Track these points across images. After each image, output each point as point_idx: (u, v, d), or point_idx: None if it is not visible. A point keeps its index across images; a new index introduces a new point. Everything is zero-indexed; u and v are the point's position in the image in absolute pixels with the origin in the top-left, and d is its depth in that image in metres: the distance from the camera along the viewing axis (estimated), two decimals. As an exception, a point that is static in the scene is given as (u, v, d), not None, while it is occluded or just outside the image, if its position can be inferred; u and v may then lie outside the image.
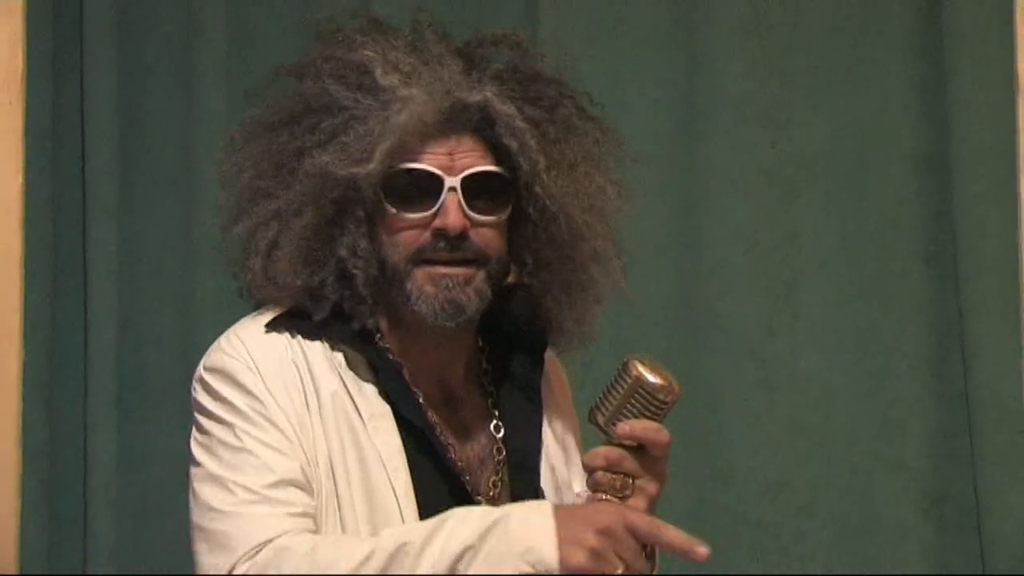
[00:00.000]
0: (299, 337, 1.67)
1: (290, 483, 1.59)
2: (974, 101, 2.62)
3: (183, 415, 2.61)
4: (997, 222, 2.60)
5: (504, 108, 1.66)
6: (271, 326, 1.68)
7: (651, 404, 1.59)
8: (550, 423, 1.78)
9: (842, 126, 2.69)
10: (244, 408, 1.63)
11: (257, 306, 1.73)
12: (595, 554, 1.49)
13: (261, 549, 1.54)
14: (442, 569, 1.48)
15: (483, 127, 1.67)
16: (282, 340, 1.66)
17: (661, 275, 2.69)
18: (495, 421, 1.74)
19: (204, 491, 1.63)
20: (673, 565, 2.64)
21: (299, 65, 1.71)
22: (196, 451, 1.67)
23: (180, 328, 2.64)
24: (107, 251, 2.62)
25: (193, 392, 1.71)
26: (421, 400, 1.69)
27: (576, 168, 1.70)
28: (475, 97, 1.65)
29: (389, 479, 1.63)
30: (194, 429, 1.70)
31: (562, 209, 1.69)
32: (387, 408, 1.66)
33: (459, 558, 1.48)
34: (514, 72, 1.71)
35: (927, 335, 2.66)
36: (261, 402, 1.62)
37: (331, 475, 1.62)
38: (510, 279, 1.72)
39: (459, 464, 1.69)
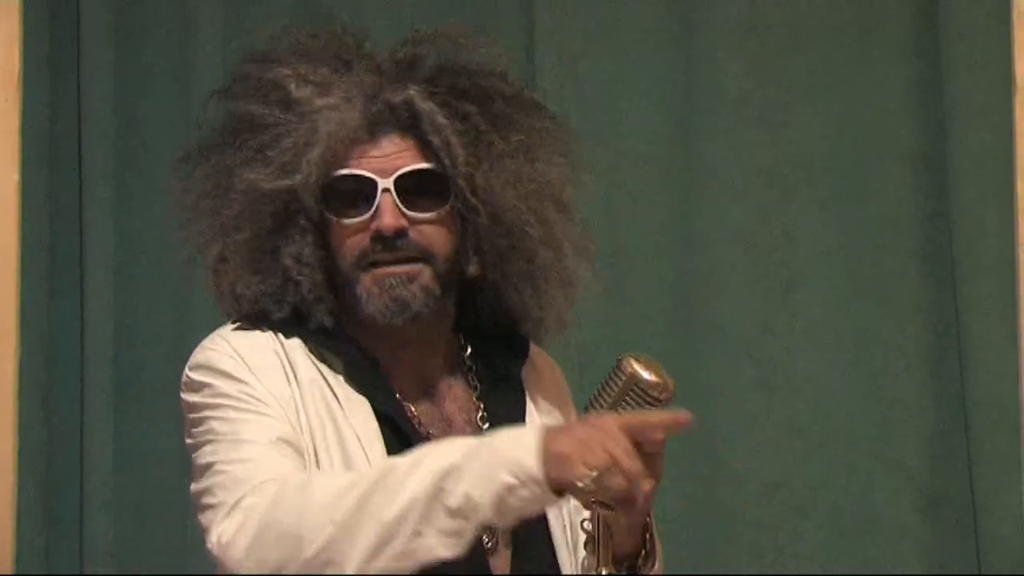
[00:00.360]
0: (275, 332, 1.70)
1: (288, 443, 1.62)
2: (971, 101, 2.62)
3: (180, 414, 2.63)
4: (994, 222, 2.60)
5: (425, 105, 1.68)
6: (249, 323, 1.71)
7: (645, 401, 1.59)
8: (540, 412, 1.78)
9: (840, 126, 2.69)
10: (232, 392, 1.65)
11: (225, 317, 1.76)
12: (580, 442, 1.48)
13: (266, 482, 1.56)
14: (427, 487, 1.48)
15: (413, 125, 1.69)
16: (260, 333, 1.70)
17: (659, 275, 2.69)
18: (481, 413, 1.75)
19: (204, 463, 1.63)
20: (673, 564, 2.66)
21: (224, 87, 1.76)
22: (192, 444, 1.69)
23: (177, 327, 2.64)
24: (104, 250, 2.63)
25: (181, 394, 1.74)
26: (397, 394, 1.70)
27: (511, 157, 1.70)
28: (398, 97, 1.68)
29: (366, 456, 1.63)
30: (187, 428, 1.71)
31: (491, 200, 1.69)
32: (363, 397, 1.67)
33: (445, 475, 1.48)
34: (441, 69, 1.72)
35: (924, 335, 2.66)
36: (247, 384, 1.65)
37: (314, 455, 1.64)
38: (472, 270, 1.73)
39: None
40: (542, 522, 1.69)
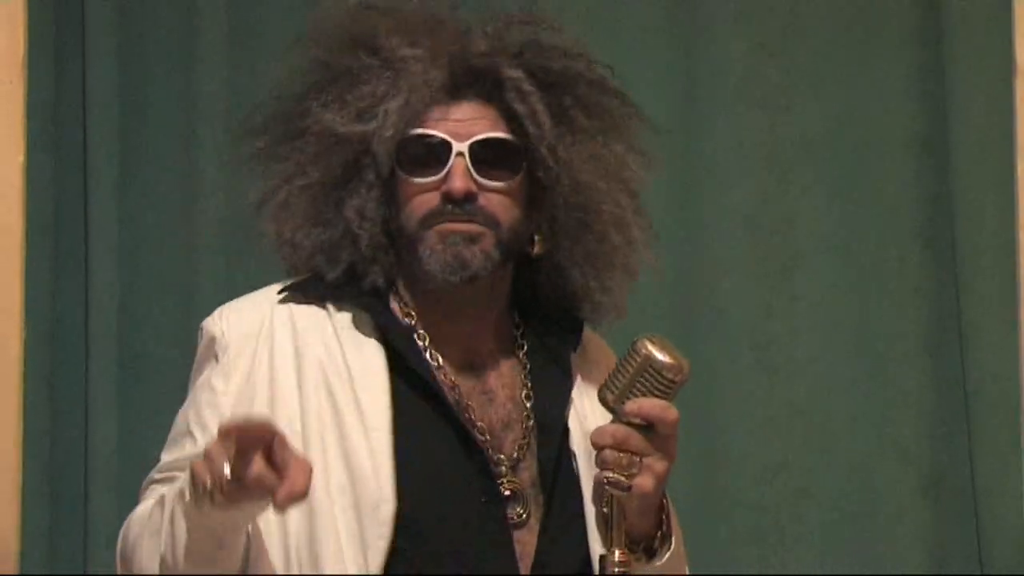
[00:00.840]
0: (296, 307, 1.70)
1: (179, 466, 1.67)
2: (973, 85, 2.63)
3: (184, 396, 2.64)
4: (995, 206, 2.61)
5: (513, 72, 1.67)
6: (275, 299, 1.72)
7: (660, 383, 1.59)
8: (587, 395, 1.75)
9: (841, 110, 2.70)
10: (200, 379, 1.72)
11: (287, 272, 1.77)
12: None
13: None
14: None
15: (494, 94, 1.69)
16: (269, 313, 1.70)
17: (660, 258, 2.69)
18: (526, 390, 1.74)
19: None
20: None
21: (310, 32, 1.74)
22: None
23: (181, 310, 2.64)
24: (108, 233, 2.63)
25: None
26: (439, 364, 1.70)
27: (591, 135, 1.72)
28: (484, 62, 1.68)
29: (367, 437, 1.62)
30: None
31: (571, 173, 1.70)
32: (383, 363, 1.66)
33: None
34: (528, 44, 1.72)
35: (925, 318, 2.67)
36: (213, 381, 1.69)
37: (302, 447, 1.60)
38: (536, 249, 1.73)
39: (478, 425, 1.68)
40: (577, 499, 1.68)
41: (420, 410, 1.66)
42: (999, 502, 2.59)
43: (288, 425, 1.60)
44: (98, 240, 2.62)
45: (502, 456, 1.68)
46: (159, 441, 2.64)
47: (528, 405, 1.72)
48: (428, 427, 1.66)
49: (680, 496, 2.62)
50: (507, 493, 1.66)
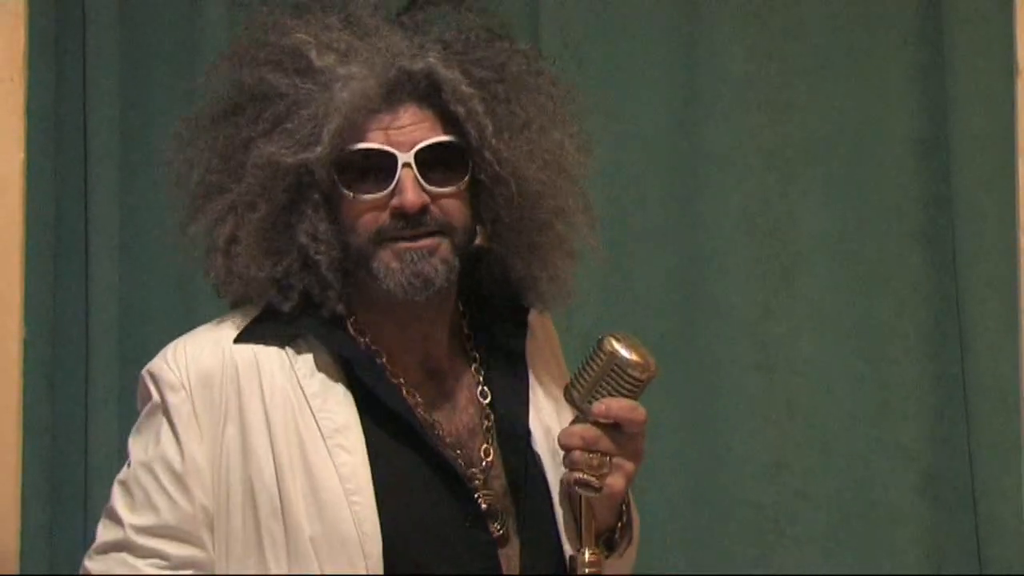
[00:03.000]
0: (257, 349, 1.64)
1: (167, 533, 1.60)
2: (973, 86, 2.63)
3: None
4: (996, 206, 2.61)
5: (448, 74, 1.62)
6: (231, 338, 1.65)
7: (626, 382, 1.59)
8: (541, 384, 1.74)
9: (842, 110, 2.70)
10: (161, 433, 1.63)
11: (232, 304, 1.71)
12: None
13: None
14: None
15: (431, 95, 1.63)
16: (230, 356, 1.63)
17: (660, 257, 2.70)
18: (481, 387, 1.71)
19: (116, 489, 1.67)
20: (673, 546, 2.67)
21: (234, 53, 1.67)
22: (131, 438, 1.70)
23: (181, 306, 2.64)
24: (109, 230, 2.63)
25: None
26: (402, 382, 1.67)
27: (529, 127, 1.66)
28: (418, 65, 1.62)
29: (349, 504, 1.58)
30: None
31: (515, 171, 1.65)
32: (354, 414, 1.61)
33: None
34: (458, 34, 1.67)
35: (925, 318, 2.67)
36: (177, 430, 1.62)
37: (279, 511, 1.59)
38: (479, 241, 1.69)
39: (447, 440, 1.66)
40: (547, 502, 1.68)
41: (397, 452, 1.62)
42: (998, 501, 2.59)
43: (267, 489, 1.59)
44: (99, 238, 2.62)
45: (474, 470, 1.66)
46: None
47: (485, 403, 1.70)
48: (408, 470, 1.62)
49: (679, 496, 2.66)
50: (484, 507, 1.64)
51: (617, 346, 1.59)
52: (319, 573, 1.56)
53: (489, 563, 1.63)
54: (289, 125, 1.61)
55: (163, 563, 1.60)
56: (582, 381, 1.60)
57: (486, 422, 1.70)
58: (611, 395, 1.59)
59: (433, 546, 1.61)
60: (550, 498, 1.68)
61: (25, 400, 2.55)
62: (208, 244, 1.66)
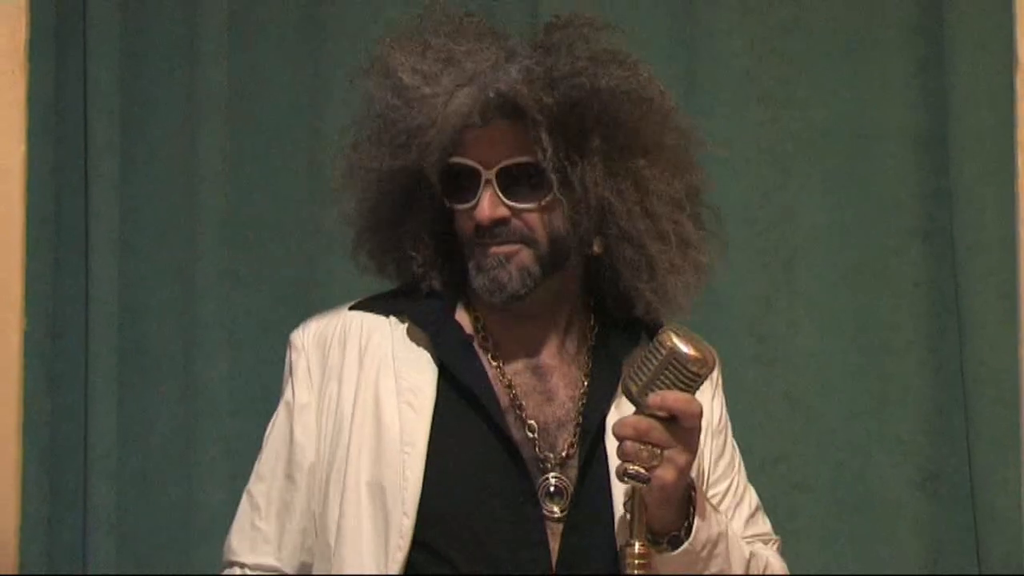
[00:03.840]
0: (367, 316, 1.81)
1: (290, 479, 1.79)
2: (973, 80, 2.63)
3: (183, 387, 2.64)
4: (995, 200, 2.62)
5: (523, 102, 1.70)
6: (352, 306, 1.83)
7: (684, 376, 1.59)
8: None
9: (841, 104, 2.70)
10: (288, 397, 1.82)
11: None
12: None
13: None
14: None
15: (519, 115, 1.72)
16: (344, 321, 1.81)
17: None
18: (583, 390, 1.78)
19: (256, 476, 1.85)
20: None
21: (365, 67, 1.81)
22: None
23: (180, 300, 2.64)
24: (109, 223, 2.62)
25: None
26: (499, 366, 1.77)
27: (608, 153, 1.73)
28: (505, 86, 1.71)
29: (401, 452, 1.71)
30: None
31: (591, 195, 1.73)
32: (430, 380, 1.75)
33: None
34: (544, 59, 1.73)
35: (924, 312, 2.68)
36: (294, 383, 1.81)
37: (345, 453, 1.74)
38: (595, 250, 1.76)
39: (529, 423, 1.74)
40: (607, 497, 1.72)
41: (463, 421, 1.73)
42: (997, 495, 2.60)
43: (341, 435, 1.75)
44: (99, 232, 2.62)
45: (551, 454, 1.73)
46: (158, 433, 2.66)
47: (582, 404, 1.77)
48: (469, 439, 1.73)
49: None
50: (551, 489, 1.71)
51: (676, 340, 1.59)
52: (367, 515, 1.71)
53: (535, 538, 1.69)
54: (384, 136, 1.77)
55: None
56: (640, 374, 1.61)
57: (579, 418, 1.76)
58: (667, 388, 1.60)
59: (472, 513, 1.70)
60: (609, 493, 1.72)
61: (25, 393, 2.55)
62: (354, 227, 1.85)
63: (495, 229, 1.72)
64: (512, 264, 1.73)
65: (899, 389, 2.68)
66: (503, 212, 1.72)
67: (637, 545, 1.60)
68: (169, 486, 2.63)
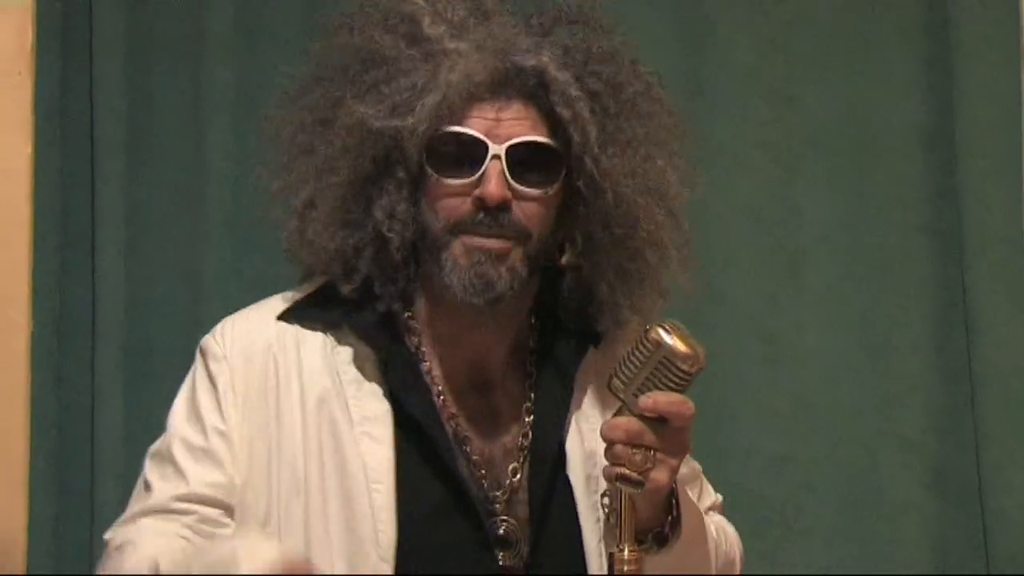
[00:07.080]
0: (301, 330, 1.63)
1: (197, 499, 1.59)
2: (979, 77, 2.62)
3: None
4: (1002, 198, 2.61)
5: (560, 75, 1.57)
6: (279, 316, 1.65)
7: (675, 375, 1.51)
8: (587, 410, 1.67)
9: (847, 102, 2.69)
10: (201, 402, 1.63)
11: (303, 275, 1.70)
12: None
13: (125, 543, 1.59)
14: None
15: (538, 94, 1.59)
16: (274, 333, 1.63)
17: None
18: (527, 404, 1.66)
19: (148, 461, 1.67)
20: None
21: (348, 15, 1.64)
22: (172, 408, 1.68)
23: (187, 300, 2.65)
24: (115, 223, 2.63)
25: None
26: (440, 390, 1.63)
27: (635, 147, 1.62)
28: (531, 61, 1.58)
29: (368, 490, 1.57)
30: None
31: (615, 187, 1.60)
32: (386, 408, 1.60)
33: None
34: (581, 42, 1.62)
35: (931, 310, 2.67)
36: (219, 404, 1.61)
37: (303, 487, 1.58)
38: (566, 259, 1.64)
39: (474, 459, 1.62)
40: (573, 532, 1.62)
41: (421, 457, 1.59)
42: (1004, 493, 2.59)
43: (291, 465, 1.58)
44: (105, 231, 2.62)
45: (496, 494, 1.62)
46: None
47: (527, 421, 1.65)
48: (424, 473, 1.59)
49: (685, 488, 2.66)
50: (500, 533, 1.60)
51: (665, 337, 1.50)
52: (332, 553, 1.55)
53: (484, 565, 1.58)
54: (386, 89, 1.57)
55: (195, 524, 1.58)
56: (627, 372, 1.51)
57: (523, 440, 1.65)
58: (658, 387, 1.51)
59: (441, 557, 1.58)
60: (577, 527, 1.62)
61: (32, 393, 2.56)
62: (287, 206, 1.64)
63: (499, 215, 1.55)
64: (504, 264, 1.56)
65: (906, 387, 2.67)
66: (509, 193, 1.55)
67: (627, 550, 1.52)
68: (176, 485, 2.63)
